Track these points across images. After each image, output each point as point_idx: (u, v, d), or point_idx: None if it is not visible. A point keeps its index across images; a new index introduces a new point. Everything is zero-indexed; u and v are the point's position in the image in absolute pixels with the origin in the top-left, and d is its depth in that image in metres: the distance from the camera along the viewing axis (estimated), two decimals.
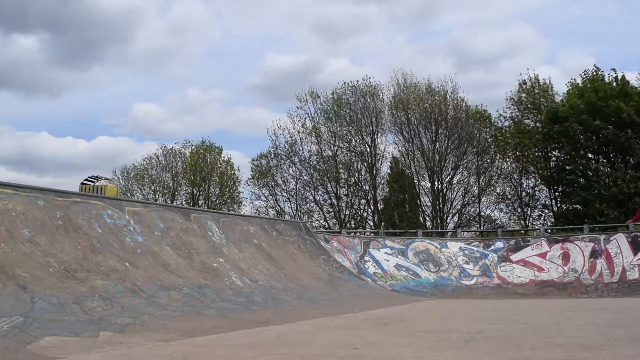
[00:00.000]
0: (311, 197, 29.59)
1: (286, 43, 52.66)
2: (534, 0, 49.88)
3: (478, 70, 45.65)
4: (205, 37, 52.31)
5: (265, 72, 48.66)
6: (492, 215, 29.70)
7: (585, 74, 25.98)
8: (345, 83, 29.03)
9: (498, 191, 29.07)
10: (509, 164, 28.64)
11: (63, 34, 49.04)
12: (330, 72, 44.62)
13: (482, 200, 29.22)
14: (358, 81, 29.22)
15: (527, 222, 28.20)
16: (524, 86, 27.99)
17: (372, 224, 29.07)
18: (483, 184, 28.74)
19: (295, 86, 53.61)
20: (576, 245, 14.31)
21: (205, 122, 49.07)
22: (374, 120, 28.91)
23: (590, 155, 25.17)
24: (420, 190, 28.97)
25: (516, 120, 28.18)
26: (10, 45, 46.27)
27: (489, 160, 28.66)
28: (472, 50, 44.89)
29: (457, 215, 28.92)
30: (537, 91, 27.76)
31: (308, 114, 29.10)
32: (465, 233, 26.18)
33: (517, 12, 50.23)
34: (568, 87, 26.50)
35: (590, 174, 24.35)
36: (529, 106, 27.88)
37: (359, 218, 29.48)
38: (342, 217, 28.63)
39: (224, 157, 32.25)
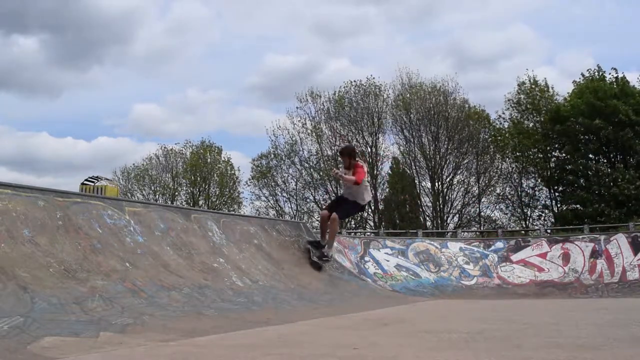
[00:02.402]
0: (311, 197, 29.62)
1: (286, 43, 52.86)
2: (534, 0, 49.98)
3: (477, 71, 45.79)
4: (205, 37, 52.49)
5: (264, 72, 48.70)
6: (492, 215, 29.77)
7: (588, 73, 25.99)
8: (345, 83, 29.08)
9: (498, 191, 29.16)
10: (509, 164, 28.68)
11: (63, 35, 49.19)
12: (329, 73, 44.74)
13: (482, 200, 29.28)
14: (361, 80, 29.28)
15: (527, 222, 28.22)
16: (523, 87, 28.06)
17: (372, 224, 29.08)
18: (483, 184, 28.78)
19: (295, 86, 53.74)
20: (576, 245, 14.31)
21: (205, 122, 49.22)
22: (375, 119, 28.93)
23: (590, 155, 25.19)
24: (421, 190, 29.02)
25: (515, 121, 28.22)
26: (10, 46, 46.39)
27: (488, 160, 28.70)
28: (472, 50, 44.98)
29: (457, 215, 28.97)
30: (535, 92, 27.87)
31: (308, 114, 29.15)
32: (465, 233, 26.21)
33: (516, 12, 50.36)
34: (574, 85, 26.58)
35: (590, 173, 24.36)
36: (528, 107, 27.93)
37: (359, 218, 29.48)
38: None
39: (223, 157, 32.31)
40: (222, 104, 53.56)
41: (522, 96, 27.82)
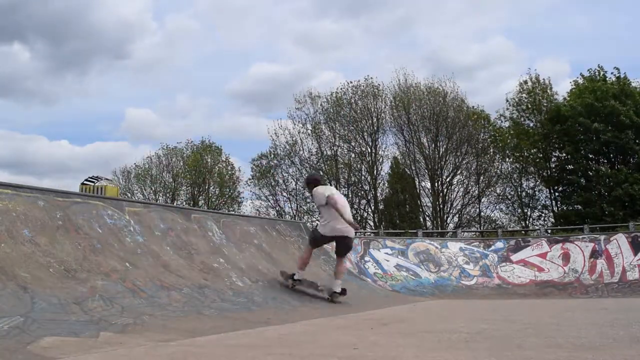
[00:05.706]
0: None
1: (274, 55, 53.65)
2: (509, 12, 50.40)
3: (457, 80, 46.51)
4: (196, 49, 53.39)
5: (253, 81, 49.41)
6: (492, 215, 29.75)
7: (589, 72, 25.91)
8: (342, 84, 29.12)
9: (498, 191, 29.11)
10: (509, 164, 28.65)
11: (59, 44, 49.95)
12: (317, 84, 45.04)
13: (482, 201, 29.25)
14: (359, 80, 29.29)
15: (527, 222, 28.20)
16: (525, 86, 27.99)
17: (372, 224, 29.08)
18: (483, 185, 28.75)
19: (283, 96, 54.21)
20: (576, 245, 14.31)
21: (197, 128, 49.87)
22: (374, 120, 28.93)
23: (590, 156, 25.14)
24: (420, 191, 29.00)
25: (515, 121, 28.19)
26: (8, 56, 46.97)
27: (487, 161, 28.68)
28: (449, 61, 45.06)
29: (457, 215, 28.94)
30: (537, 91, 27.78)
31: (307, 115, 29.15)
32: (465, 233, 26.20)
33: (493, 25, 50.66)
34: (572, 85, 26.55)
35: (591, 174, 24.32)
36: (529, 106, 27.89)
37: (359, 218, 29.48)
38: None
39: (223, 157, 32.32)
40: (211, 110, 54.42)
41: (523, 95, 27.75)
